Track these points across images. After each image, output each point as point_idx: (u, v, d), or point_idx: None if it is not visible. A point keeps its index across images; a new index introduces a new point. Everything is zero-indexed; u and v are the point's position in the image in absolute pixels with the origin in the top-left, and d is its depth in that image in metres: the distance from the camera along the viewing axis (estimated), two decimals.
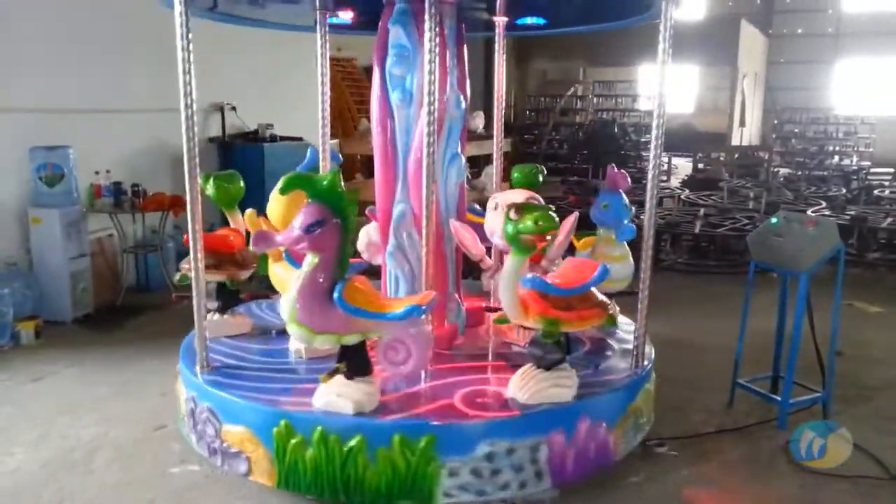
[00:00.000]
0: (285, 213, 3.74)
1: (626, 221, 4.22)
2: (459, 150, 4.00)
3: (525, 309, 3.20)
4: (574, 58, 20.83)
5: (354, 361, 3.23)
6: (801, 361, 4.19)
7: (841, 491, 3.54)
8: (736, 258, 8.39)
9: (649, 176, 3.58)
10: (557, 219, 3.13)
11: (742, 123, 22.30)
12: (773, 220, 4.35)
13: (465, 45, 4.08)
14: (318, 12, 4.46)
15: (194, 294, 3.60)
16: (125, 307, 6.57)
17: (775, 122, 22.47)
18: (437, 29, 3.51)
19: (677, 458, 3.83)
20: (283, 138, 8.54)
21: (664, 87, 3.51)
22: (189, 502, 3.43)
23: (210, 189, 4.13)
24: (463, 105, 3.96)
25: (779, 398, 4.26)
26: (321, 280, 3.05)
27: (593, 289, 3.34)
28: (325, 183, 2.99)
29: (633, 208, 4.39)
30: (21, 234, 6.10)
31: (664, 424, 4.05)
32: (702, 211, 9.85)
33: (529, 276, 3.19)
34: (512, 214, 3.08)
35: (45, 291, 5.96)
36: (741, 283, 4.63)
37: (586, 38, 17.43)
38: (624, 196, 4.23)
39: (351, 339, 3.15)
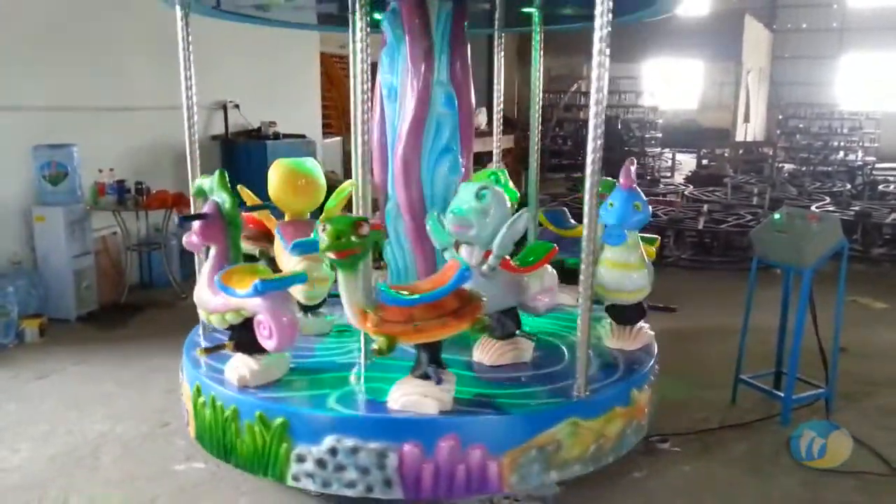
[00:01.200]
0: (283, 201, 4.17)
1: (622, 226, 3.72)
2: (455, 147, 3.97)
3: (364, 321, 3.05)
4: (577, 54, 20.70)
5: (240, 339, 3.46)
6: (804, 358, 4.19)
7: (844, 487, 3.54)
8: (739, 254, 8.37)
9: (587, 183, 3.13)
10: (365, 232, 2.91)
11: (746, 119, 22.24)
12: (776, 216, 4.34)
13: (465, 42, 4.05)
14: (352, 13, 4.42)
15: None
16: (129, 305, 6.59)
17: (780, 117, 22.40)
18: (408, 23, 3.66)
19: (680, 454, 3.83)
20: (285, 136, 8.56)
21: (602, 86, 3.11)
22: (194, 499, 3.45)
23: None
24: (454, 102, 3.91)
25: (782, 394, 4.26)
26: (220, 268, 3.45)
27: (469, 291, 3.10)
28: (209, 185, 3.57)
29: (649, 209, 3.85)
30: (25, 233, 6.13)
31: (667, 420, 4.05)
32: (706, 207, 9.82)
33: (381, 284, 3.10)
34: (320, 230, 2.91)
35: (49, 289, 6.00)
36: (745, 279, 4.63)
37: (589, 35, 17.36)
38: (636, 195, 3.75)
39: (232, 318, 3.39)
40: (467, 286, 3.14)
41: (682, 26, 18.13)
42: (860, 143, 20.11)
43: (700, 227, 8.76)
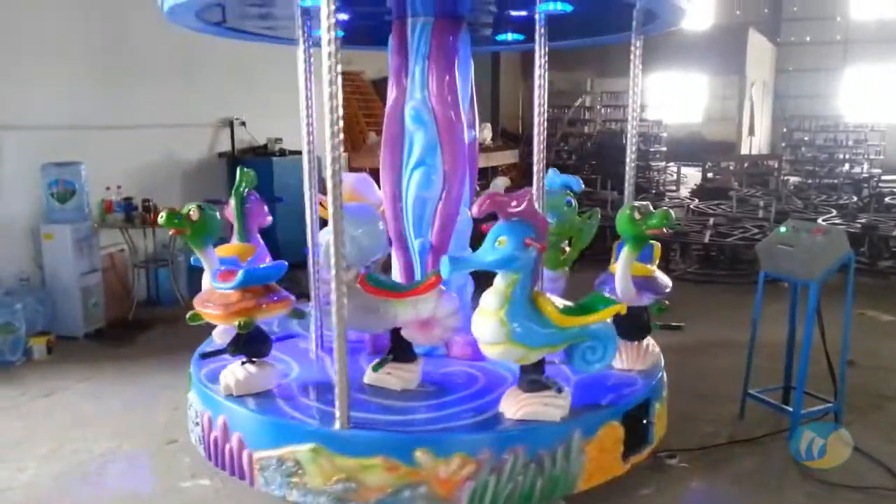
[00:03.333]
0: None
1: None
2: (430, 162, 3.91)
3: None
4: (581, 69, 20.88)
5: None
6: (812, 371, 4.16)
7: (852, 502, 3.51)
8: (746, 267, 8.35)
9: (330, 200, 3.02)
10: (194, 217, 3.58)
11: (751, 132, 22.26)
12: (782, 229, 4.33)
13: (448, 57, 3.93)
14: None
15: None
16: (136, 322, 6.61)
17: (784, 130, 22.39)
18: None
19: (688, 470, 3.80)
20: (291, 152, 8.60)
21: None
22: None
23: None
24: (422, 118, 3.88)
25: (790, 409, 4.23)
26: None
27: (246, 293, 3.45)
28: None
29: (508, 248, 3.02)
30: (33, 250, 6.16)
31: (675, 435, 4.02)
32: (711, 220, 9.81)
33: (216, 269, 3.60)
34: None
35: (56, 307, 6.02)
36: (751, 292, 4.61)
37: (593, 50, 17.47)
38: (504, 230, 3.01)
39: None
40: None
41: (686, 40, 18.22)
42: (866, 156, 20.05)
43: (706, 240, 8.75)
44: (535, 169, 3.83)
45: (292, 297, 3.63)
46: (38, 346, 5.62)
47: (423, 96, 3.91)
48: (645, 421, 3.55)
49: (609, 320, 3.29)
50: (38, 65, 6.20)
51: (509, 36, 4.88)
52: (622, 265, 3.66)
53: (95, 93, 6.73)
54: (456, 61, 4.00)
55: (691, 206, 11.55)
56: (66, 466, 3.90)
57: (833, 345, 4.24)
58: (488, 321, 3.09)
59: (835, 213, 10.31)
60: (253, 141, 8.61)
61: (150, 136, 7.30)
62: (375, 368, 3.62)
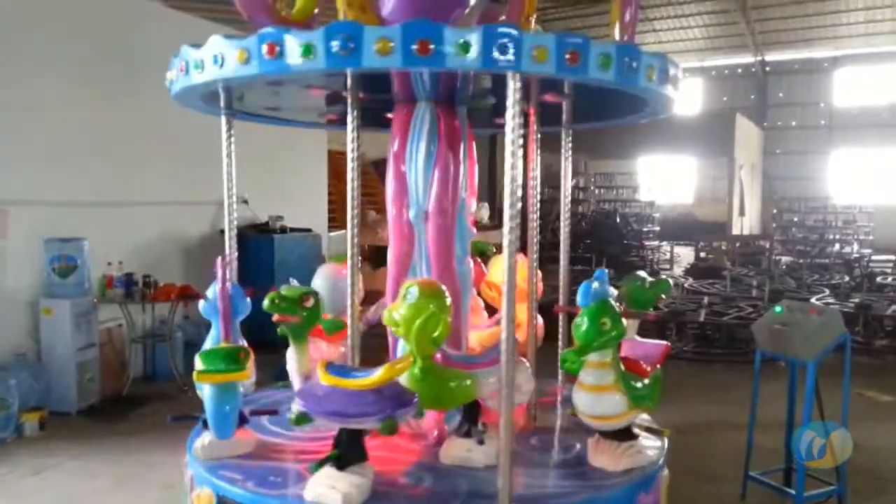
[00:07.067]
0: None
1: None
2: None
3: None
4: (576, 151, 21.41)
5: None
6: None
7: None
8: (742, 346, 8.37)
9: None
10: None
11: (742, 213, 22.64)
12: (777, 308, 4.39)
13: (395, 144, 3.92)
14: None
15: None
16: (131, 397, 6.54)
17: (775, 211, 22.83)
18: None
19: None
20: (292, 230, 8.74)
21: None
22: None
23: None
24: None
25: (792, 491, 4.18)
26: None
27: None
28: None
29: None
30: (31, 324, 6.16)
31: None
32: (706, 299, 9.89)
33: None
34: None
35: (51, 381, 5.96)
36: (748, 371, 4.63)
37: (587, 133, 17.96)
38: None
39: None
40: None
41: (676, 124, 18.75)
42: (855, 236, 20.40)
43: (701, 318, 8.79)
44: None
45: None
46: (30, 423, 5.54)
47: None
48: None
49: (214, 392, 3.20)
50: (43, 141, 6.34)
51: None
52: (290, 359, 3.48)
53: (99, 169, 6.87)
54: (399, 143, 3.91)
55: (685, 285, 11.65)
56: None
57: None
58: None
59: (828, 292, 10.40)
60: (255, 218, 8.75)
61: (153, 212, 7.42)
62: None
